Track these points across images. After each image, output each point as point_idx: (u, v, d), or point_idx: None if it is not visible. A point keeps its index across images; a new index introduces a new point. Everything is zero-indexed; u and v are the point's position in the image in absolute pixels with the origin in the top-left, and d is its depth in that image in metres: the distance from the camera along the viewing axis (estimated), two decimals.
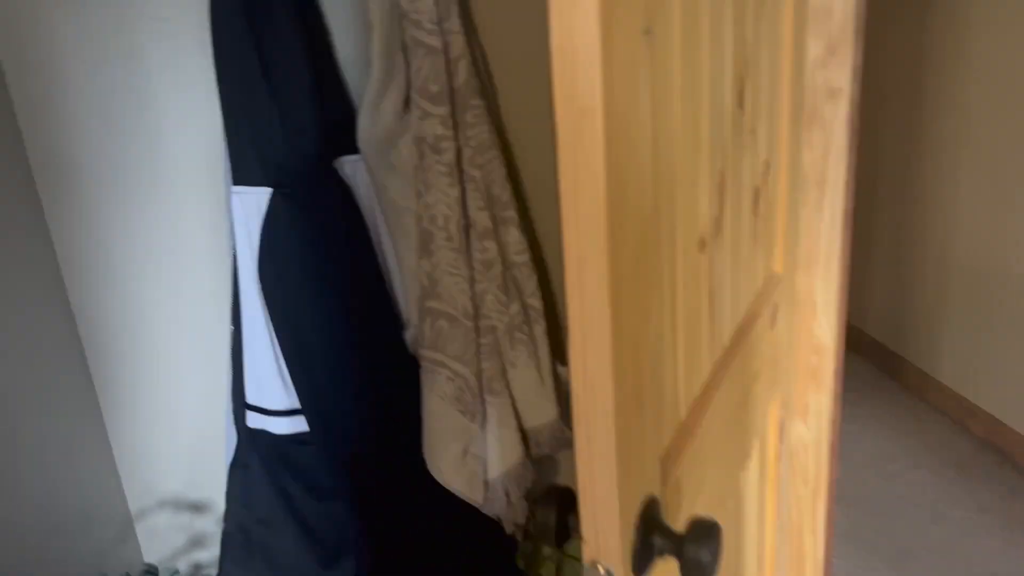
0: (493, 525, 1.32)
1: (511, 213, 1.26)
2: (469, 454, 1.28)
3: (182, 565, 1.52)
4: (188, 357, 1.38)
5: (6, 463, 1.18)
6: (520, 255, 1.28)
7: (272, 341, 1.21)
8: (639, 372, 0.51)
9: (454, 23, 1.15)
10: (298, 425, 1.24)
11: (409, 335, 1.28)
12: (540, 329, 1.32)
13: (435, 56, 1.14)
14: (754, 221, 0.82)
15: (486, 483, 1.30)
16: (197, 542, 1.50)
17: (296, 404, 1.22)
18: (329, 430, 1.25)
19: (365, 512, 1.29)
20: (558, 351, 1.37)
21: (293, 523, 1.27)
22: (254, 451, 1.26)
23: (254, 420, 1.25)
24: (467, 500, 1.29)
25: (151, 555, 1.50)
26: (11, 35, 1.22)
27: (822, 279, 1.05)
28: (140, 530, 1.48)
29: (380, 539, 1.32)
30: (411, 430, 1.28)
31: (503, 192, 1.25)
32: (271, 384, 1.22)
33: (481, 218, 1.23)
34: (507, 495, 1.32)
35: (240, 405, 1.26)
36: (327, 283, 1.21)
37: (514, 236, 1.27)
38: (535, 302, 1.31)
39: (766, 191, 0.86)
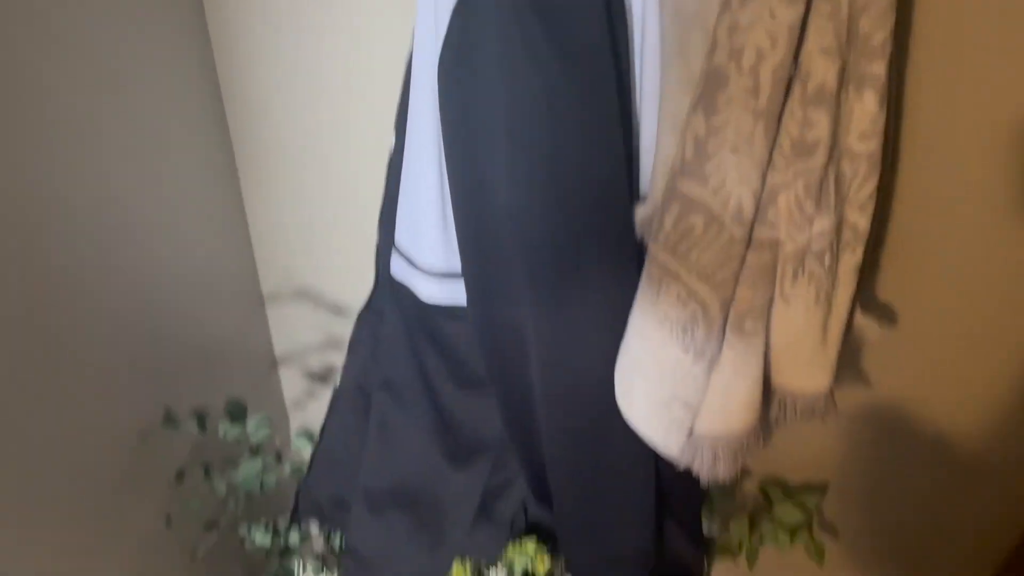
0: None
1: (877, 68, 0.72)
2: (678, 400, 0.89)
3: (314, 363, 1.33)
4: (342, 156, 1.05)
5: (137, 212, 0.97)
6: (865, 142, 0.76)
7: (440, 174, 0.83)
8: None
9: None
10: (453, 294, 0.90)
11: (641, 214, 0.85)
12: (852, 262, 0.84)
13: None
14: None
15: (690, 434, 0.93)
16: (332, 344, 1.29)
17: (455, 267, 0.87)
18: (492, 306, 0.89)
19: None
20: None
21: (425, 401, 0.99)
22: (394, 303, 0.95)
23: (399, 269, 0.92)
24: (655, 447, 0.94)
25: (281, 346, 1.31)
26: None
27: None
28: (272, 316, 1.27)
29: (534, 461, 1.02)
30: (604, 339, 0.90)
31: (877, 29, 0.70)
32: (428, 233, 0.87)
33: (822, 68, 0.71)
34: (715, 458, 0.95)
35: (386, 241, 0.93)
36: (538, 107, 0.77)
37: (867, 108, 0.74)
38: (860, 220, 0.81)
39: None
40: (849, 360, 1.16)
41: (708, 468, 0.97)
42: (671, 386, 0.89)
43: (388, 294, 0.96)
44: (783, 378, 0.92)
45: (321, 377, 1.36)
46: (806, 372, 0.90)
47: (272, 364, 1.33)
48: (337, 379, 1.06)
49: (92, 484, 0.95)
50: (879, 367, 1.17)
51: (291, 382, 1.38)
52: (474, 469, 1.04)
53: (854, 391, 1.19)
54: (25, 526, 0.86)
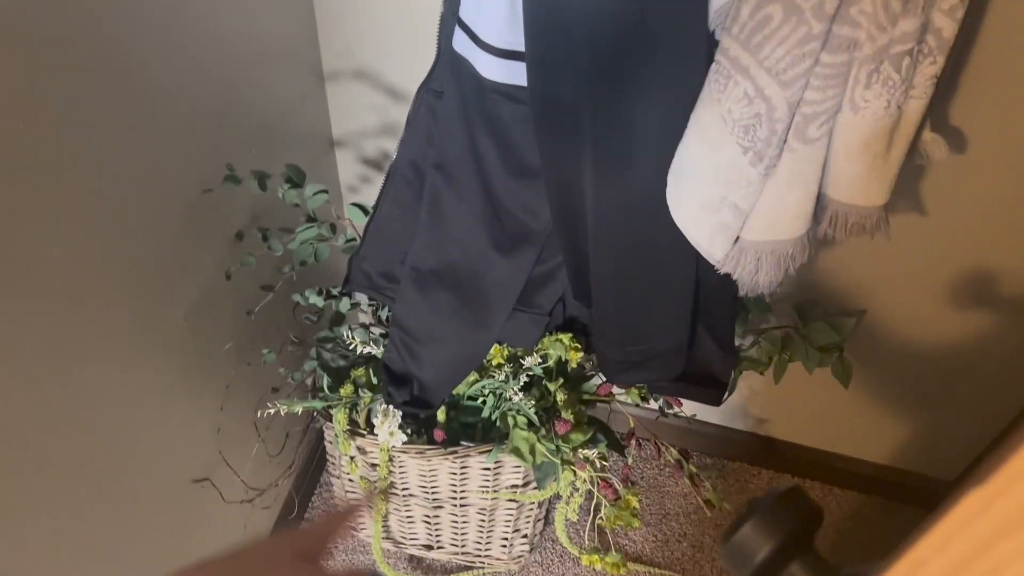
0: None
1: None
2: (728, 203, 0.90)
3: (370, 148, 1.34)
4: None
5: None
6: None
7: None
8: None
9: None
10: (514, 74, 0.89)
11: (717, 2, 0.81)
12: (931, 72, 0.81)
13: None
14: None
15: (737, 242, 0.95)
16: (388, 130, 1.30)
17: (518, 45, 0.86)
18: (552, 87, 0.89)
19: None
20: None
21: (477, 185, 1.01)
22: (454, 80, 0.95)
23: (461, 43, 0.91)
24: (700, 251, 0.96)
25: (338, 127, 1.32)
26: None
27: None
28: (331, 94, 1.28)
29: (578, 257, 1.05)
30: (662, 132, 0.90)
31: None
32: (493, 7, 0.85)
33: None
34: (758, 266, 0.97)
35: (451, 10, 0.92)
36: None
37: None
38: (947, 26, 0.77)
39: None
40: (908, 182, 1.14)
41: (750, 276, 0.99)
42: (724, 188, 0.89)
43: (449, 69, 0.96)
44: (839, 190, 0.91)
45: (376, 163, 1.39)
46: (864, 185, 0.89)
47: (329, 144, 1.36)
48: (393, 157, 1.08)
49: (159, 234, 1.01)
50: (937, 194, 1.15)
51: (346, 166, 1.41)
52: (519, 258, 1.08)
53: (907, 216, 1.18)
54: (99, 265, 0.93)
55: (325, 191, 1.02)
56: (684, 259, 1.02)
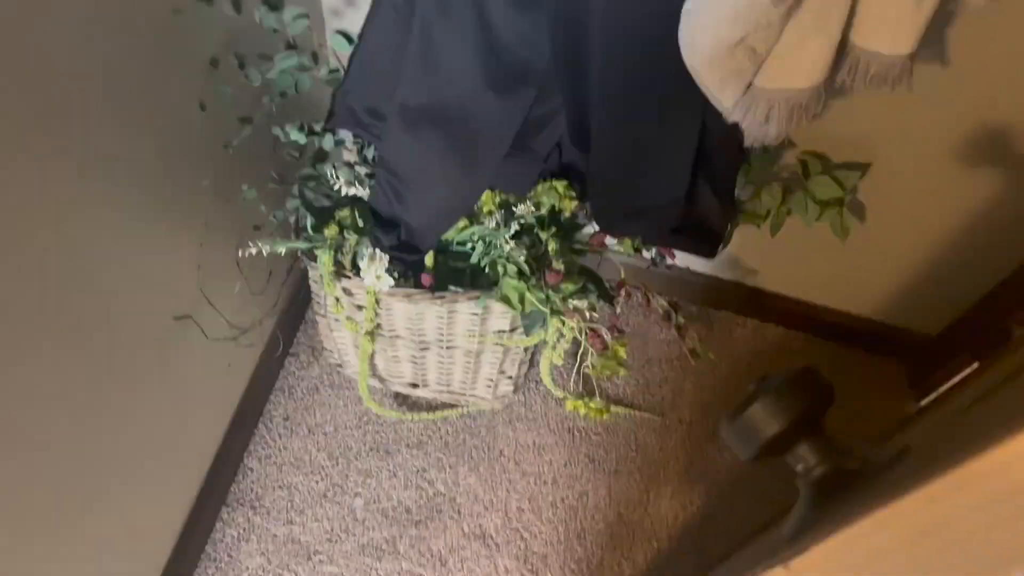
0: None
1: None
2: (745, 46, 0.84)
3: None
4: None
5: None
6: None
7: None
8: None
9: None
10: None
11: None
12: None
13: None
14: None
15: (748, 88, 0.90)
16: None
17: None
18: None
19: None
20: None
21: (473, 16, 0.94)
22: None
23: None
24: (709, 97, 0.91)
25: None
26: None
27: None
28: None
29: (579, 98, 0.99)
30: None
31: None
32: None
33: None
34: (768, 115, 0.92)
35: None
36: None
37: None
38: None
39: None
40: (934, 31, 1.07)
41: (759, 126, 0.95)
42: (742, 27, 0.82)
43: None
44: (863, 37, 0.85)
45: None
46: (891, 31, 0.83)
47: None
48: None
49: (125, 60, 0.94)
50: (963, 45, 1.09)
51: None
52: (516, 97, 1.02)
53: (927, 67, 1.12)
54: (63, 95, 0.86)
55: (306, 15, 0.94)
56: (691, 107, 0.96)
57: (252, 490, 1.55)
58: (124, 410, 1.14)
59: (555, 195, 1.15)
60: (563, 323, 1.15)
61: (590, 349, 1.19)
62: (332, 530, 1.52)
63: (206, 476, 1.45)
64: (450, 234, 1.22)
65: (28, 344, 0.91)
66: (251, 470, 1.57)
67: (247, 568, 1.48)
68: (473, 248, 1.25)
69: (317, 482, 1.57)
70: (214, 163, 1.16)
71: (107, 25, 0.89)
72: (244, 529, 1.51)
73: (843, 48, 0.87)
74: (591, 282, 1.23)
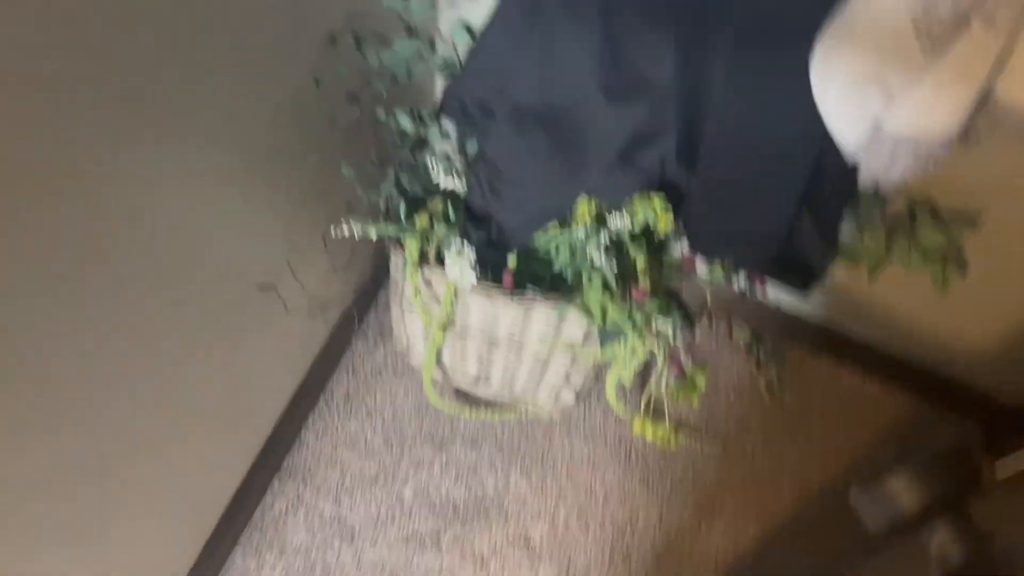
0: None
1: None
2: (879, 84, 0.82)
3: None
4: None
5: None
6: None
7: None
8: None
9: None
10: None
11: None
12: None
13: None
14: None
15: (877, 130, 0.87)
16: None
17: None
18: None
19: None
20: None
21: (600, 22, 0.93)
22: None
23: None
24: (834, 135, 0.88)
25: None
26: None
27: None
28: None
29: (693, 116, 0.97)
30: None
31: None
32: None
33: None
34: (893, 159, 0.89)
35: None
36: None
37: None
38: None
39: None
40: None
41: (882, 170, 0.92)
42: (880, 62, 0.80)
43: None
44: (1010, 89, 0.82)
45: None
46: None
47: None
48: None
49: (247, 34, 0.95)
50: None
51: None
52: (628, 108, 1.00)
53: None
54: (180, 49, 0.88)
55: (431, 3, 0.94)
56: (811, 141, 0.94)
57: (306, 464, 1.57)
58: (196, 369, 1.16)
59: (651, 210, 1.13)
60: (642, 342, 1.14)
61: (667, 373, 1.17)
62: (378, 515, 1.53)
63: (264, 443, 1.47)
64: (537, 237, 1.21)
65: (123, 294, 0.93)
66: (307, 445, 1.59)
67: (291, 541, 1.49)
68: (557, 253, 1.24)
69: (369, 465, 1.58)
70: (317, 139, 1.17)
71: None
72: (293, 503, 1.53)
73: (984, 98, 0.84)
74: (676, 304, 1.21)
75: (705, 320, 1.27)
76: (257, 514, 1.51)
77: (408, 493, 1.56)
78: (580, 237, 1.18)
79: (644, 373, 1.21)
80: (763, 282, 1.27)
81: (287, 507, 1.52)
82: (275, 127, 1.08)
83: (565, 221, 1.20)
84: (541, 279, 1.27)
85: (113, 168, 0.83)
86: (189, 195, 0.98)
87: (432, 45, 1.03)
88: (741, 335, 1.28)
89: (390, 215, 1.26)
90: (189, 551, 1.36)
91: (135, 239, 0.91)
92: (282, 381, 1.49)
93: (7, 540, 0.91)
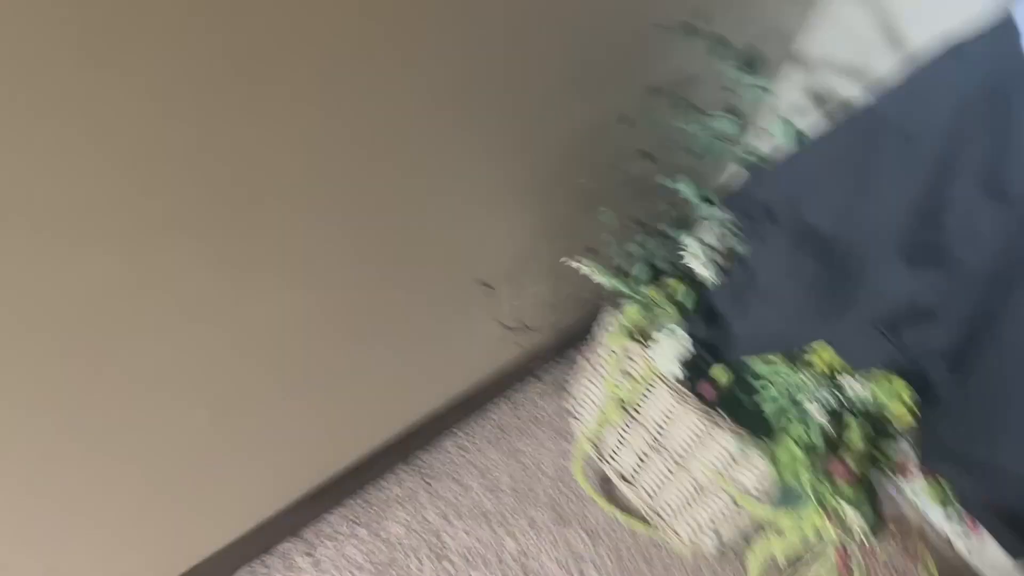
0: None
1: None
2: None
3: (825, 79, 1.18)
4: None
5: None
6: None
7: None
8: None
9: None
10: None
11: None
12: None
13: None
14: None
15: None
16: (856, 73, 1.13)
17: None
18: None
19: None
20: None
21: (934, 180, 0.85)
22: (989, 47, 0.78)
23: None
24: None
25: (812, 42, 1.17)
26: None
27: None
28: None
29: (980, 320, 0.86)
30: None
31: None
32: None
33: None
34: None
35: None
36: None
37: None
38: None
39: None
40: None
41: None
42: None
43: (989, 38, 0.78)
44: None
45: (821, 98, 1.24)
46: None
47: (789, 49, 1.22)
48: (860, 103, 0.93)
49: (565, 65, 0.97)
50: None
51: (794, 82, 1.26)
52: (916, 276, 0.90)
53: None
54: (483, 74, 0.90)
55: (766, 89, 0.91)
56: None
57: (432, 467, 1.56)
58: (383, 340, 1.19)
59: (893, 396, 1.02)
60: (822, 523, 1.01)
61: (827, 569, 1.03)
62: (472, 551, 1.48)
63: (407, 428, 1.47)
64: (756, 362, 1.12)
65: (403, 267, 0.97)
66: (443, 450, 1.58)
67: (385, 529, 1.48)
68: (765, 387, 1.14)
69: (488, 500, 1.53)
70: (594, 173, 1.17)
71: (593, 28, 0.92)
72: (405, 497, 1.52)
73: None
74: (871, 501, 1.07)
75: (895, 532, 1.11)
76: (369, 489, 1.51)
77: (510, 545, 1.49)
78: (801, 382, 1.08)
79: (796, 555, 1.08)
80: (975, 527, 1.10)
81: (397, 496, 1.51)
82: (563, 149, 1.09)
83: (794, 358, 1.11)
84: (738, 405, 1.18)
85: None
86: (451, 188, 1.01)
87: (743, 127, 1.00)
88: (926, 569, 1.11)
89: (623, 274, 1.23)
90: (292, 492, 1.38)
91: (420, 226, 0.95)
92: (451, 380, 1.49)
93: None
